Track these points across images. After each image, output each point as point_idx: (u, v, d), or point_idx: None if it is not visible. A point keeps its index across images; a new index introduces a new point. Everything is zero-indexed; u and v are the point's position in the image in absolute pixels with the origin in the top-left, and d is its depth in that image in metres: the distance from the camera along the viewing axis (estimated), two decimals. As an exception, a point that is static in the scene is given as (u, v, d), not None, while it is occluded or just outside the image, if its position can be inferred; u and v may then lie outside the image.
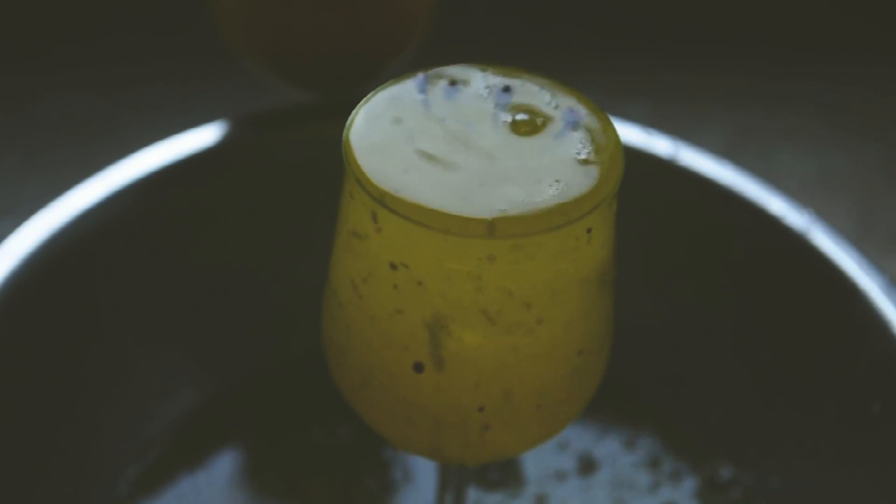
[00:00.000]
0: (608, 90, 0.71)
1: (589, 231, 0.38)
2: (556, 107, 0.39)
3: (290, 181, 0.53)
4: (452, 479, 0.48)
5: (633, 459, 0.53)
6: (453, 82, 0.40)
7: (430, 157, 0.38)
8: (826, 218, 0.51)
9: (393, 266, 0.38)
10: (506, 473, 0.52)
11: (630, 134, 0.53)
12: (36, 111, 0.71)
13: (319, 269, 0.44)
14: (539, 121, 0.39)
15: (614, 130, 0.39)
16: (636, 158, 0.51)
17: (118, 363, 0.51)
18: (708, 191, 0.52)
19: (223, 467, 0.52)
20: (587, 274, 0.39)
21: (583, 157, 0.38)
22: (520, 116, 0.39)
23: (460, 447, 0.42)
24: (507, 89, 0.40)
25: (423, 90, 0.40)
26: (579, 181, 0.37)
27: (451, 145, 0.38)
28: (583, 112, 0.39)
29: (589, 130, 0.39)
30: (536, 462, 0.53)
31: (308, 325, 0.47)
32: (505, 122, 0.39)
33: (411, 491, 0.52)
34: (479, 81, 0.40)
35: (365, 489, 0.52)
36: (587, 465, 0.53)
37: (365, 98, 0.40)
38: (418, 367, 0.40)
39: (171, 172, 0.52)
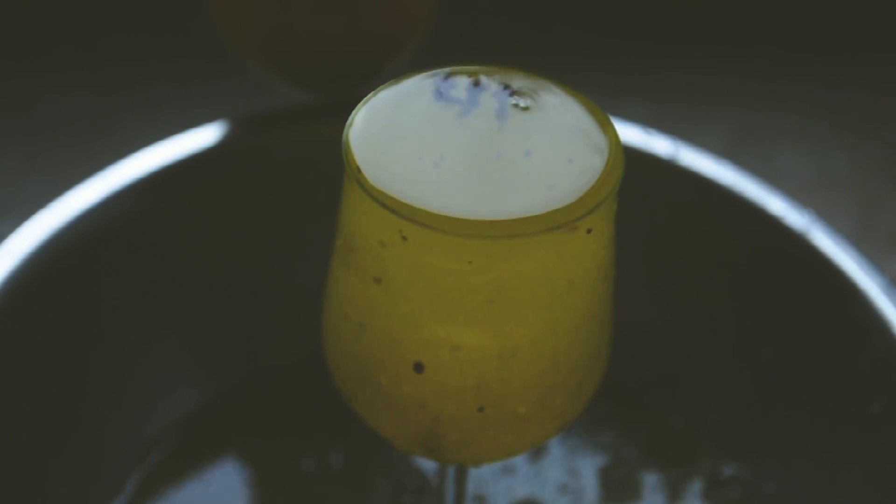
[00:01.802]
0: (608, 90, 0.71)
1: (589, 231, 0.38)
2: (556, 108, 0.40)
3: (290, 181, 0.53)
4: (454, 481, 0.48)
5: (632, 459, 0.53)
6: (454, 83, 0.40)
7: (429, 158, 0.38)
8: (826, 218, 0.51)
9: (392, 266, 0.38)
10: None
11: (630, 134, 0.53)
12: (36, 111, 0.71)
13: (320, 270, 0.44)
14: (539, 121, 0.39)
15: (614, 130, 0.39)
16: (636, 158, 0.51)
17: (118, 363, 0.51)
18: (708, 191, 0.52)
19: (225, 469, 0.52)
20: (587, 274, 0.39)
21: (583, 157, 0.38)
22: (519, 117, 0.39)
23: (461, 447, 0.42)
24: (507, 91, 0.40)
25: (423, 91, 0.40)
26: (579, 181, 0.37)
27: (451, 146, 0.38)
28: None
29: (587, 130, 0.39)
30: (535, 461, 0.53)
31: (308, 325, 0.47)
32: (504, 122, 0.39)
33: (417, 490, 0.52)
34: (479, 82, 0.40)
35: (369, 489, 0.52)
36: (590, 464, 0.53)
37: (365, 98, 0.40)
38: (418, 368, 0.40)
39: (171, 172, 0.52)
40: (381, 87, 0.40)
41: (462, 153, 0.38)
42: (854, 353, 0.48)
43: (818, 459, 0.49)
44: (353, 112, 0.39)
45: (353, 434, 0.53)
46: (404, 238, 0.37)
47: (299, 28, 0.51)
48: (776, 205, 0.51)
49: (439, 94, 0.40)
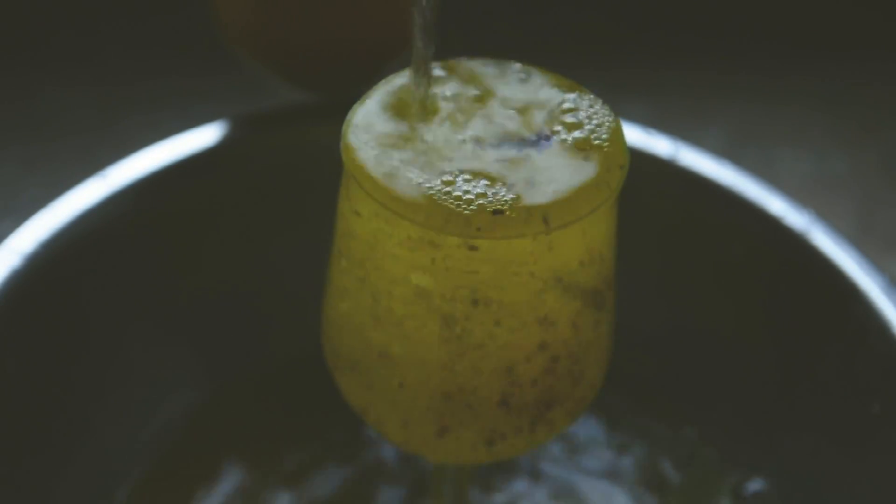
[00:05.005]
0: (608, 88, 0.71)
1: (589, 232, 0.38)
2: (561, 106, 0.39)
3: (290, 181, 0.53)
4: (453, 480, 0.48)
5: (631, 460, 0.53)
6: (453, 78, 0.40)
7: (428, 156, 0.38)
8: (826, 218, 0.51)
9: (392, 266, 0.38)
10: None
11: (630, 134, 0.53)
12: (35, 105, 0.71)
13: (319, 270, 0.44)
14: (541, 119, 0.39)
15: (620, 131, 0.39)
16: (636, 158, 0.51)
17: (115, 364, 0.51)
18: (708, 191, 0.52)
19: (221, 471, 0.52)
20: (588, 275, 0.39)
21: (585, 157, 0.38)
22: (521, 113, 0.39)
23: (463, 447, 0.42)
24: (508, 85, 0.40)
25: (422, 86, 0.40)
26: (580, 181, 0.37)
27: (451, 143, 0.38)
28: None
29: (593, 130, 0.39)
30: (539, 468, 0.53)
31: (310, 324, 0.47)
32: (506, 119, 0.39)
33: (418, 491, 0.52)
34: (479, 77, 0.40)
35: (370, 489, 0.52)
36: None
37: (364, 96, 0.40)
38: (420, 367, 0.40)
39: (171, 172, 0.52)
40: (379, 84, 0.40)
41: (461, 151, 0.38)
42: (853, 353, 0.48)
43: (818, 459, 0.49)
44: (352, 111, 0.39)
45: (354, 434, 0.53)
46: (405, 237, 0.37)
47: (299, 30, 0.51)
48: (776, 205, 0.51)
49: (437, 90, 0.40)
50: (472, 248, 0.37)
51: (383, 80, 0.40)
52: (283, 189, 0.53)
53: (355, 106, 0.39)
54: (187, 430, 0.53)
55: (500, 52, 0.40)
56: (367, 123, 0.39)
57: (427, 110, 0.39)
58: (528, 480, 0.52)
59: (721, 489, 0.52)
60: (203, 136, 0.53)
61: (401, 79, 0.40)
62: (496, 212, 0.36)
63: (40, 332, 0.48)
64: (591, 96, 0.40)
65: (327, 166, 0.43)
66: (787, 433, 0.51)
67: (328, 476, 0.52)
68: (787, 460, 0.51)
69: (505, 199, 0.37)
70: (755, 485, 0.52)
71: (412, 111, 0.39)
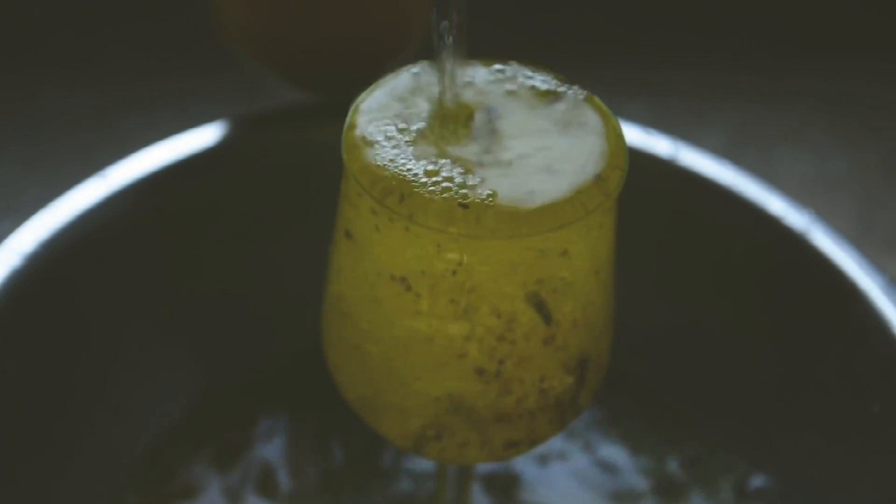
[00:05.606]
0: (608, 88, 0.71)
1: (589, 233, 0.38)
2: (559, 100, 0.39)
3: (290, 181, 0.53)
4: (455, 482, 0.48)
5: (633, 463, 0.53)
6: (453, 76, 0.40)
7: (428, 155, 0.38)
8: (826, 218, 0.51)
9: (393, 267, 0.38)
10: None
11: (630, 134, 0.53)
12: (35, 107, 0.71)
13: (320, 270, 0.44)
14: (540, 118, 0.39)
15: (619, 132, 0.39)
16: (636, 158, 0.51)
17: (116, 363, 0.51)
18: (708, 191, 0.52)
19: (223, 470, 0.52)
20: (587, 275, 0.39)
21: (586, 156, 0.38)
22: (523, 111, 0.39)
23: (464, 447, 0.42)
24: (509, 83, 0.40)
25: (421, 85, 0.40)
26: (580, 180, 0.37)
27: (452, 142, 0.38)
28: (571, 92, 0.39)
29: (594, 130, 0.39)
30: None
31: (310, 324, 0.47)
32: (506, 116, 0.39)
33: (412, 492, 0.52)
34: (480, 75, 0.40)
35: (370, 489, 0.52)
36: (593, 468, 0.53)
37: (362, 95, 0.40)
38: (420, 367, 0.40)
39: (171, 172, 0.52)
40: (378, 83, 0.40)
41: (463, 150, 0.38)
42: (853, 353, 0.48)
43: (818, 459, 0.49)
44: (351, 110, 0.39)
45: (353, 434, 0.53)
46: (399, 233, 0.37)
47: (299, 30, 0.51)
48: (776, 205, 0.51)
49: (436, 88, 0.40)
50: (468, 249, 0.37)
51: (383, 78, 0.40)
52: (283, 189, 0.53)
53: (357, 102, 0.39)
54: (187, 430, 0.53)
55: (500, 52, 0.40)
56: (369, 121, 0.39)
57: (441, 108, 0.39)
58: (532, 479, 0.52)
59: (724, 485, 0.52)
60: (203, 136, 0.53)
61: (401, 75, 0.40)
62: (495, 211, 0.36)
63: (40, 332, 0.48)
64: (591, 97, 0.40)
65: (327, 166, 0.43)
66: (787, 433, 0.51)
67: (329, 476, 0.52)
68: (788, 460, 0.51)
69: (503, 198, 0.37)
70: (758, 481, 0.52)
71: (420, 106, 0.39)
